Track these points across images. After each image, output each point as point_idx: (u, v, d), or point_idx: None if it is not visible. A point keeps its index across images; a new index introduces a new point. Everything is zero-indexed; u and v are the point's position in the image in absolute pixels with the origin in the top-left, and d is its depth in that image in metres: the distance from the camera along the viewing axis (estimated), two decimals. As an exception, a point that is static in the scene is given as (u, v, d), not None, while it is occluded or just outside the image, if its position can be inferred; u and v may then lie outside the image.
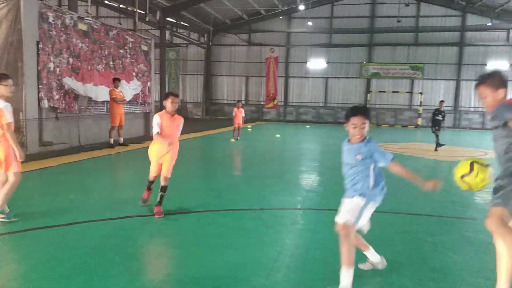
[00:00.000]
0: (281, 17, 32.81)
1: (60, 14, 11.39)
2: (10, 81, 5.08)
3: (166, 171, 5.67)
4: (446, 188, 8.21)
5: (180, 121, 5.81)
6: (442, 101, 15.05)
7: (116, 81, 12.71)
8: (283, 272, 3.89)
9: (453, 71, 31.10)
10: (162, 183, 5.67)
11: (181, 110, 33.75)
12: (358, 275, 3.86)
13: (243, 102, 34.39)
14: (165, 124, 5.54)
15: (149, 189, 6.03)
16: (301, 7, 30.32)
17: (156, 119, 5.56)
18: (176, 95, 5.75)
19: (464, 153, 14.82)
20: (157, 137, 5.53)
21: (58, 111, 11.40)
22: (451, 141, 18.96)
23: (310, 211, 6.21)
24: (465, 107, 31.36)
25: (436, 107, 15.11)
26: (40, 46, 10.57)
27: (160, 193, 5.63)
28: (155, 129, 5.53)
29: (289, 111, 34.07)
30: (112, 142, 12.50)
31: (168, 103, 5.59)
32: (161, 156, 5.67)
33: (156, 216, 5.48)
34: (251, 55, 34.09)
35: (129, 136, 15.14)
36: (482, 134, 25.71)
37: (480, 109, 31.03)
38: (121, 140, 12.88)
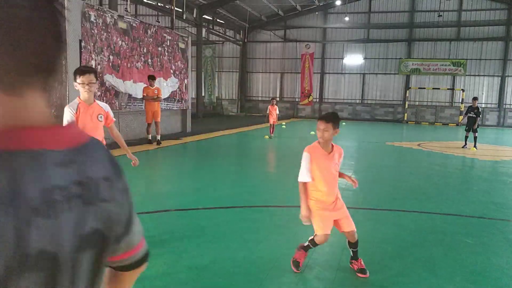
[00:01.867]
0: (317, 13, 32.47)
1: (101, 13, 11.74)
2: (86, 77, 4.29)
3: None
4: (488, 189, 7.93)
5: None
6: (475, 98, 14.64)
7: (150, 79, 12.87)
8: (317, 270, 3.88)
9: (498, 66, 29.80)
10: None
11: (216, 107, 34.14)
12: (393, 275, 3.80)
13: (278, 99, 34.39)
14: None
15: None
16: (338, 2, 29.88)
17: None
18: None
19: (508, 152, 14.23)
20: None
21: (99, 107, 11.75)
22: (494, 140, 18.25)
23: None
24: (510, 104, 30.03)
25: (470, 105, 14.76)
26: (83, 44, 10.94)
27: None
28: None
29: (324, 107, 33.71)
30: (149, 138, 12.80)
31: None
32: None
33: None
34: (287, 51, 33.95)
35: (167, 132, 15.46)
36: (528, 132, 24.59)
37: (526, 107, 29.66)
38: (158, 137, 13.09)
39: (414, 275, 3.83)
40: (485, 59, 29.93)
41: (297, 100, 34.06)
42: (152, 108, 12.77)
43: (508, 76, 29.67)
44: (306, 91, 33.04)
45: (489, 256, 4.34)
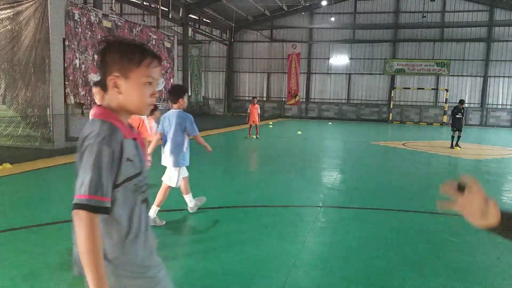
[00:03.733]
0: (303, 13, 32.58)
1: (86, 12, 11.60)
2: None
3: None
4: (472, 187, 8.05)
5: None
6: (461, 101, 14.88)
7: None
8: (304, 270, 3.88)
9: (480, 67, 30.31)
10: None
11: (203, 107, 34.02)
12: (378, 273, 3.82)
13: (265, 98, 34.42)
14: None
15: None
16: (324, 3, 30.02)
17: None
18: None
19: (491, 151, 14.46)
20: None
21: (84, 107, 11.63)
22: (477, 139, 18.54)
23: (332, 208, 6.17)
24: (492, 104, 30.54)
25: (456, 105, 14.95)
26: (66, 43, 10.79)
27: None
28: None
29: (311, 107, 33.87)
30: None
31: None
32: None
33: None
34: (273, 51, 34.00)
35: (152, 132, 15.34)
36: (510, 132, 25.01)
37: (508, 107, 30.22)
38: None
39: (399, 274, 3.86)
40: (468, 60, 30.41)
41: (284, 100, 34.13)
42: None
43: (490, 76, 30.19)
44: (292, 91, 33.14)
45: (473, 254, 4.40)
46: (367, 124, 28.91)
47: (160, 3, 17.88)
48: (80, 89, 11.38)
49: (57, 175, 8.05)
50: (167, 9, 21.72)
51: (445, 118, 30.00)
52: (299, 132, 19.45)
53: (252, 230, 4.97)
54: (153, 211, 4.93)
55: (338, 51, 32.80)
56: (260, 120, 16.49)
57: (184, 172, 5.35)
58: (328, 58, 33.03)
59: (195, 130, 5.14)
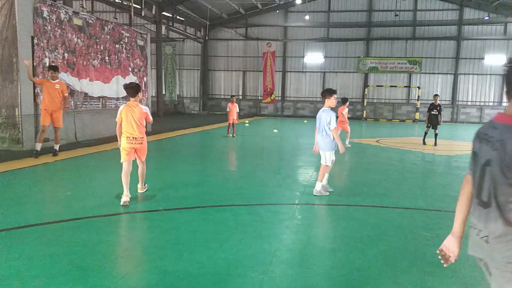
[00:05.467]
0: (278, 11, 32.67)
1: (55, 9, 11.29)
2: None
3: None
4: (444, 183, 8.22)
5: None
6: (436, 95, 15.00)
7: (51, 70, 9.75)
8: (281, 268, 3.87)
9: (451, 65, 31.08)
10: None
11: (178, 105, 33.71)
12: (354, 269, 3.85)
13: (241, 97, 34.37)
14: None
15: None
16: (298, 1, 30.18)
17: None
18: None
19: (462, 147, 14.83)
20: None
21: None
22: (449, 136, 18.98)
23: (308, 206, 6.19)
24: (462, 101, 31.37)
25: (431, 102, 15.09)
26: (35, 41, 10.48)
27: None
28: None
29: (286, 105, 34.02)
30: (38, 148, 9.66)
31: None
32: None
33: None
34: (248, 49, 33.97)
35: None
36: (479, 128, 25.66)
37: (477, 103, 31.08)
38: (56, 146, 10.15)
39: (374, 269, 3.90)
40: (439, 58, 31.14)
41: (259, 98, 34.17)
42: (51, 108, 9.66)
43: (460, 74, 30.99)
44: (268, 89, 33.20)
45: (445, 248, 4.48)
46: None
47: (132, 1, 17.60)
48: (50, 89, 11.07)
49: (26, 177, 7.82)
50: (139, 7, 21.41)
51: (417, 115, 30.65)
52: (275, 130, 19.49)
53: (229, 229, 4.93)
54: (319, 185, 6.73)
55: (312, 50, 33.03)
56: (238, 119, 16.55)
57: (333, 156, 6.84)
58: (303, 57, 33.23)
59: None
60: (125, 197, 5.82)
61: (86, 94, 12.68)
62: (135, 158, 6.27)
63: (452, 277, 3.77)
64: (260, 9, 32.23)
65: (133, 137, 6.01)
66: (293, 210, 5.87)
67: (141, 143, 6.13)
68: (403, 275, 3.77)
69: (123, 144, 6.05)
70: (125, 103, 6.20)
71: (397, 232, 5.03)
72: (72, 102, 12.07)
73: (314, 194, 6.69)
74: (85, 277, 3.54)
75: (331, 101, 6.78)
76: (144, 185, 6.60)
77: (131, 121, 5.95)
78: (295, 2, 30.82)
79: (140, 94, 6.14)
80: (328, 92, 6.83)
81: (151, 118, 6.31)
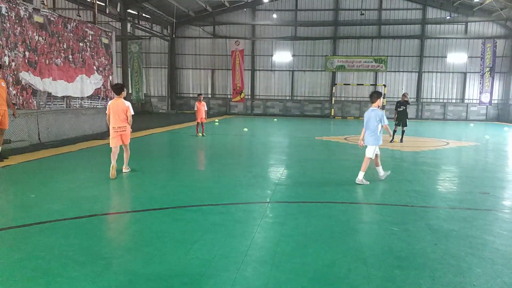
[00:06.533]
0: (245, 9, 32.66)
1: (14, 6, 10.88)
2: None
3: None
4: (410, 178, 8.43)
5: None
6: (404, 94, 15.35)
7: None
8: (253, 266, 3.86)
9: (415, 63, 31.94)
10: None
11: (145, 104, 33.17)
12: (325, 265, 3.89)
13: (210, 95, 34.15)
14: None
15: None
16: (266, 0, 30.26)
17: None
18: None
19: (427, 143, 15.25)
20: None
21: (16, 107, 10.92)
22: (414, 132, 19.49)
23: (279, 204, 6.21)
24: (427, 98, 32.29)
25: (398, 99, 15.40)
26: (-6, 39, 10.07)
27: None
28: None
29: (256, 104, 34.07)
30: None
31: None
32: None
33: None
34: (217, 47, 33.80)
35: (91, 132, 14.74)
36: (443, 124, 26.56)
37: (441, 100, 32.07)
38: None
39: (345, 264, 3.94)
40: (404, 56, 31.94)
41: (229, 96, 34.08)
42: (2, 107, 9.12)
43: (424, 72, 31.89)
44: (238, 88, 33.15)
45: (412, 242, 4.59)
46: (310, 120, 29.55)
47: (97, -2, 17.14)
48: (10, 88, 10.67)
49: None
50: (104, 4, 20.92)
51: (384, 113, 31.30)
52: (245, 129, 19.48)
53: (200, 229, 4.88)
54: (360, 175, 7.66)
55: (281, 48, 33.21)
56: (206, 118, 16.41)
57: (377, 150, 7.85)
58: (272, 55, 33.36)
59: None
60: (113, 170, 7.62)
61: (49, 93, 12.29)
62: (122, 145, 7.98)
63: (420, 270, 3.86)
64: (227, 7, 32.12)
65: (118, 127, 7.79)
66: (264, 209, 5.87)
67: (124, 131, 7.90)
68: (372, 270, 3.83)
69: (111, 133, 7.80)
70: (113, 98, 8.04)
71: (365, 228, 5.12)
72: (35, 102, 11.67)
73: (356, 182, 7.60)
74: (52, 282, 3.43)
75: (379, 102, 7.73)
76: (127, 167, 8.24)
77: (116, 113, 7.73)
78: (262, 0, 30.87)
79: (124, 93, 7.95)
80: (377, 95, 7.73)
81: (132, 111, 7.97)
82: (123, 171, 8.09)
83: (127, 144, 8.09)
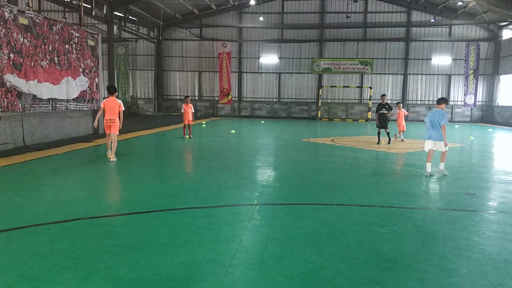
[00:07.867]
0: (232, 12, 32.68)
1: (-2, 7, 10.70)
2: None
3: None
4: (396, 180, 8.49)
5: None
6: (383, 95, 15.32)
7: None
8: (240, 269, 3.85)
9: (400, 65, 32.28)
10: None
11: (131, 106, 32.94)
12: (313, 268, 3.88)
13: (197, 97, 34.05)
14: None
15: None
16: (252, 2, 30.30)
17: None
18: None
19: (412, 145, 15.40)
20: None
21: (0, 110, 10.74)
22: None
23: (267, 206, 6.20)
24: (412, 100, 32.64)
25: (379, 102, 15.39)
26: (-24, 40, 9.88)
27: None
28: None
29: (243, 106, 34.07)
30: None
31: None
32: None
33: None
34: (203, 50, 33.74)
35: (77, 134, 14.57)
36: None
37: (426, 102, 32.43)
38: None
39: (333, 266, 3.95)
40: (389, 58, 32.27)
41: (216, 99, 34.02)
42: None
43: (409, 74, 32.24)
44: (225, 90, 33.11)
45: (400, 244, 4.62)
46: (297, 122, 29.64)
47: (82, 0, 16.97)
48: (-7, 91, 10.49)
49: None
50: (90, 6, 20.73)
51: (370, 115, 31.60)
52: (233, 131, 19.45)
53: (187, 233, 4.85)
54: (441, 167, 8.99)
55: (268, 51, 33.29)
56: (193, 120, 16.33)
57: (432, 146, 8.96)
58: (259, 58, 33.42)
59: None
60: (109, 156, 10.13)
61: (34, 96, 12.11)
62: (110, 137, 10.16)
63: (407, 272, 3.88)
64: (214, 9, 32.09)
65: (109, 119, 10.12)
66: (252, 211, 5.86)
67: (114, 122, 10.16)
68: (360, 272, 3.84)
69: (104, 124, 10.24)
70: (107, 97, 10.39)
71: (353, 230, 5.13)
72: (20, 104, 11.50)
73: (438, 172, 8.93)
74: (37, 287, 3.37)
75: (444, 106, 9.02)
76: (114, 157, 10.06)
77: (109, 108, 10.07)
78: (249, 3, 30.92)
79: (116, 93, 10.47)
80: (444, 101, 9.06)
81: (123, 108, 10.39)
82: (110, 158, 9.98)
83: (114, 134, 10.16)
